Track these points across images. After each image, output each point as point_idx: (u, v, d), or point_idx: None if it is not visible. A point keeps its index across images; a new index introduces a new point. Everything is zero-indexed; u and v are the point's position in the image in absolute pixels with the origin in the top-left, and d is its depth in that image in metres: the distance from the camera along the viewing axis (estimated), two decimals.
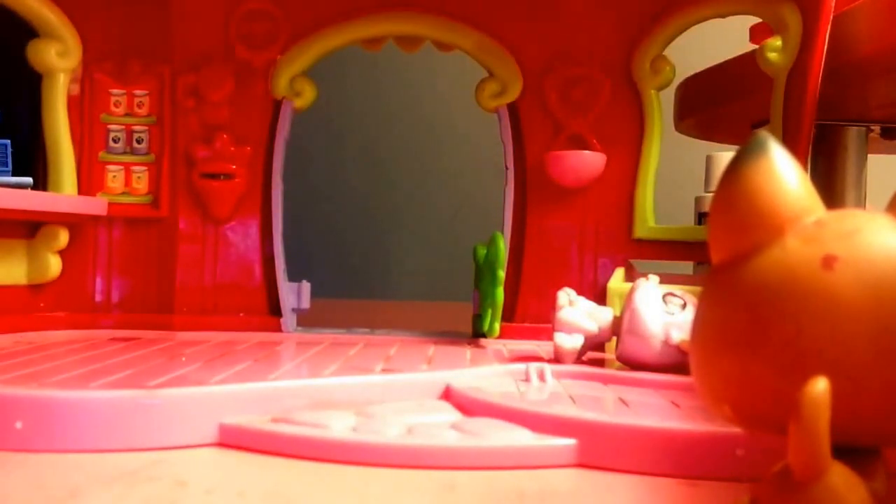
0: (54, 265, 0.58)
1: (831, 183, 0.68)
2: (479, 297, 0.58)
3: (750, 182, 0.17)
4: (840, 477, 0.15)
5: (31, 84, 0.60)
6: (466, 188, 1.35)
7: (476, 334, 0.58)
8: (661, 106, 0.61)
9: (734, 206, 0.17)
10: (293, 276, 0.62)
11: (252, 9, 0.61)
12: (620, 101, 0.61)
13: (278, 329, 0.60)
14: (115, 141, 0.61)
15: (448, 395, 0.36)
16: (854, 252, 0.16)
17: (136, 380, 0.36)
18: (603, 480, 0.27)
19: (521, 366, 0.41)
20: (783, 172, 0.17)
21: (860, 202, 0.69)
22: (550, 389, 0.38)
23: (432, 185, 1.39)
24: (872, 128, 0.69)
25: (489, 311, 0.54)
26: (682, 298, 0.43)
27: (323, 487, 0.25)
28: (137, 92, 0.61)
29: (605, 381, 0.41)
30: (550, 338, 0.46)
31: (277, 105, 0.61)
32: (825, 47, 0.51)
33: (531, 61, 0.61)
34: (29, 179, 0.59)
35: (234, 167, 0.60)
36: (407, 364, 0.44)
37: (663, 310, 0.43)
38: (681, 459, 0.27)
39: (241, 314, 0.61)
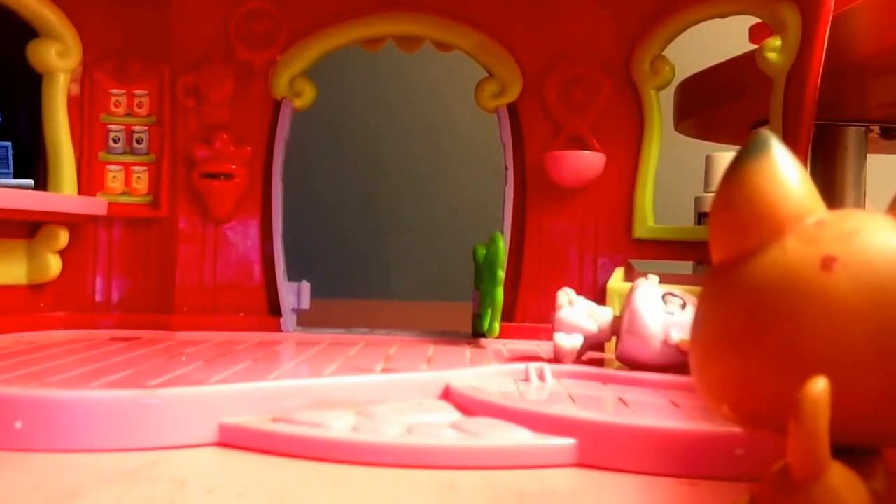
0: (54, 265, 0.58)
1: (831, 183, 0.68)
2: (479, 297, 0.58)
3: (751, 182, 0.17)
4: (840, 477, 0.15)
5: (32, 85, 0.60)
6: (466, 188, 1.35)
7: (476, 334, 0.58)
8: (661, 106, 0.61)
9: (735, 206, 0.17)
10: (293, 276, 0.62)
11: (252, 9, 0.61)
12: (620, 101, 0.61)
13: (278, 329, 0.60)
14: (114, 141, 0.61)
15: (448, 394, 0.36)
16: (853, 253, 0.16)
17: (136, 380, 0.36)
18: (602, 480, 0.27)
19: (520, 366, 0.41)
20: (785, 172, 0.17)
21: (859, 202, 0.69)
22: (550, 389, 0.38)
23: (432, 185, 1.39)
24: (872, 128, 0.69)
25: (489, 311, 0.54)
26: (681, 298, 0.43)
27: (323, 487, 0.25)
28: (137, 92, 0.61)
29: (605, 380, 0.41)
30: (550, 338, 0.46)
31: (277, 105, 0.61)
32: (825, 47, 0.51)
33: (531, 61, 0.61)
34: (30, 182, 0.59)
35: (234, 167, 0.60)
36: (407, 364, 0.44)
37: (663, 310, 0.43)
38: (681, 459, 0.27)
39: (241, 314, 0.61)
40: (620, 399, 0.36)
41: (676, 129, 0.79)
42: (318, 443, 0.28)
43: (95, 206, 0.59)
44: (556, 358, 0.45)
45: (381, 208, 1.40)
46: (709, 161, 0.97)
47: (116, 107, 0.61)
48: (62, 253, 0.59)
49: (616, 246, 0.61)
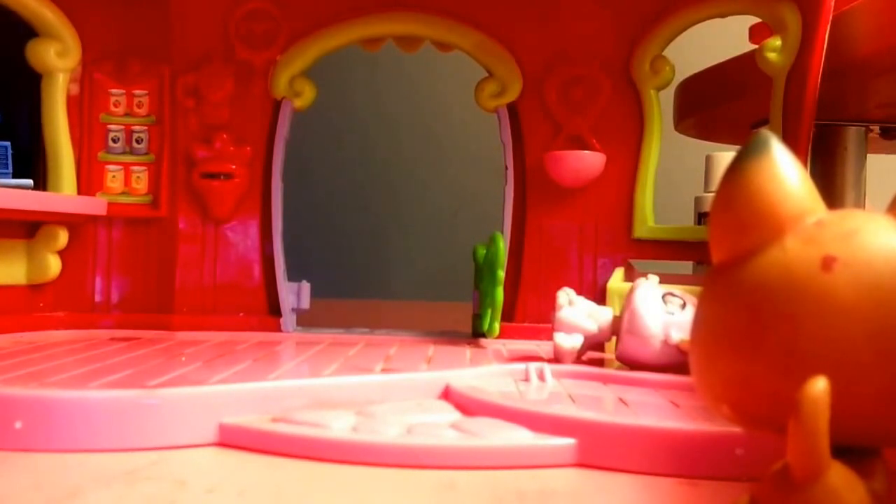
0: (54, 265, 0.58)
1: (831, 183, 0.68)
2: (479, 297, 0.58)
3: (751, 182, 0.17)
4: (839, 477, 0.15)
5: (32, 85, 0.60)
6: (466, 188, 1.35)
7: (476, 334, 0.58)
8: (661, 106, 0.61)
9: (735, 206, 0.17)
10: (293, 276, 0.62)
11: (252, 9, 0.61)
12: (620, 101, 0.61)
13: (278, 329, 0.60)
14: (114, 141, 0.61)
15: (448, 394, 0.36)
16: (853, 253, 0.16)
17: (136, 380, 0.36)
18: (602, 480, 0.27)
19: (520, 366, 0.41)
20: (785, 172, 0.17)
21: (859, 202, 0.69)
22: (550, 389, 0.38)
23: (432, 185, 1.39)
24: (872, 128, 0.69)
25: (489, 311, 0.54)
26: (681, 298, 0.43)
27: (323, 487, 0.25)
28: (137, 92, 0.61)
29: (605, 380, 0.41)
30: (550, 338, 0.46)
31: (277, 105, 0.61)
32: (825, 47, 0.51)
33: (531, 61, 0.61)
34: (29, 181, 0.59)
35: (233, 167, 0.60)
36: (407, 364, 0.44)
37: (663, 310, 0.43)
38: (680, 459, 0.27)
39: (241, 314, 0.61)
40: (620, 399, 0.36)
41: (676, 129, 0.79)
42: (318, 443, 0.28)
43: (95, 206, 0.59)
44: (556, 358, 0.45)
45: (381, 208, 1.40)
46: (709, 161, 0.97)
47: (116, 107, 0.61)
48: (62, 253, 0.59)
49: (616, 246, 0.61)
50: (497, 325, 0.54)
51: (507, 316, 0.59)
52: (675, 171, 0.92)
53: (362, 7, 0.61)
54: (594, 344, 0.47)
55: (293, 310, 0.61)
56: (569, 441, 0.28)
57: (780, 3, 0.55)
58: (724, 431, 0.27)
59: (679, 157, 0.90)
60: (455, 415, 0.33)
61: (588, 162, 0.59)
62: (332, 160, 1.38)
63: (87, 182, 0.60)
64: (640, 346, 0.43)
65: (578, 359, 0.46)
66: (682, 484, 0.26)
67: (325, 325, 0.62)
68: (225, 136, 0.60)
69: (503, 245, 0.54)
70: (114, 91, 0.61)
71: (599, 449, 0.28)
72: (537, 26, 0.62)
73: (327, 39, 0.61)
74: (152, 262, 0.61)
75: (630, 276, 0.59)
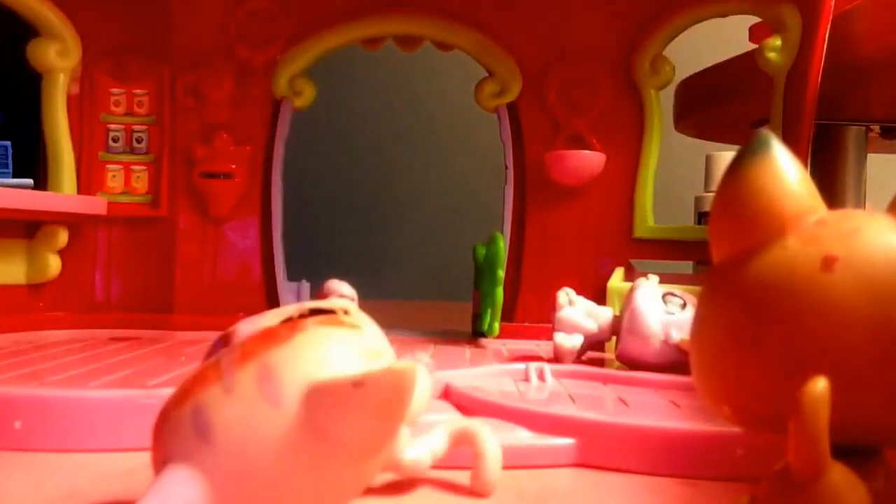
0: (54, 265, 0.58)
1: (831, 183, 0.68)
2: (479, 297, 0.58)
3: (752, 181, 0.17)
4: (840, 477, 0.15)
5: (32, 85, 0.60)
6: (466, 188, 1.35)
7: (476, 334, 0.58)
8: (661, 106, 0.61)
9: (736, 205, 0.17)
10: (293, 276, 0.62)
11: (252, 8, 0.61)
12: (620, 100, 0.61)
13: None
14: (114, 140, 0.61)
15: (448, 394, 0.36)
16: (853, 252, 0.16)
17: (136, 379, 0.36)
18: (602, 480, 0.27)
19: (520, 366, 0.41)
20: (785, 172, 0.17)
21: (860, 202, 0.69)
22: (550, 389, 0.38)
23: (433, 185, 1.39)
24: (872, 127, 0.69)
25: (489, 311, 0.54)
26: (681, 298, 0.43)
27: None
28: (137, 91, 0.61)
29: (605, 380, 0.41)
30: (550, 338, 0.46)
31: (277, 104, 0.61)
32: (825, 47, 0.51)
33: (531, 61, 0.61)
34: (29, 181, 0.59)
35: (233, 166, 0.60)
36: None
37: (663, 309, 0.43)
38: (680, 459, 0.27)
39: (241, 314, 0.60)
40: (620, 399, 0.36)
41: (676, 128, 0.80)
42: None
43: (95, 205, 0.59)
44: (556, 358, 0.45)
45: (381, 208, 1.40)
46: (709, 161, 0.97)
47: (116, 106, 0.61)
48: (62, 253, 0.59)
49: (616, 246, 0.61)
50: (497, 325, 0.54)
51: (507, 316, 0.59)
52: (675, 171, 0.92)
53: (362, 7, 0.61)
54: (594, 344, 0.47)
55: None
56: (568, 441, 0.28)
57: (780, 3, 0.55)
58: (724, 431, 0.27)
59: (679, 157, 0.91)
60: (455, 415, 0.33)
61: (588, 162, 0.59)
62: (332, 160, 1.38)
63: (88, 181, 0.60)
64: (640, 346, 0.43)
65: (578, 359, 0.46)
66: (682, 484, 0.26)
67: None
68: (225, 135, 0.60)
69: (503, 245, 0.54)
70: (114, 90, 0.61)
71: (599, 449, 0.28)
72: (537, 26, 0.62)
73: (327, 39, 0.61)
74: (152, 261, 0.61)
75: (630, 276, 0.59)
